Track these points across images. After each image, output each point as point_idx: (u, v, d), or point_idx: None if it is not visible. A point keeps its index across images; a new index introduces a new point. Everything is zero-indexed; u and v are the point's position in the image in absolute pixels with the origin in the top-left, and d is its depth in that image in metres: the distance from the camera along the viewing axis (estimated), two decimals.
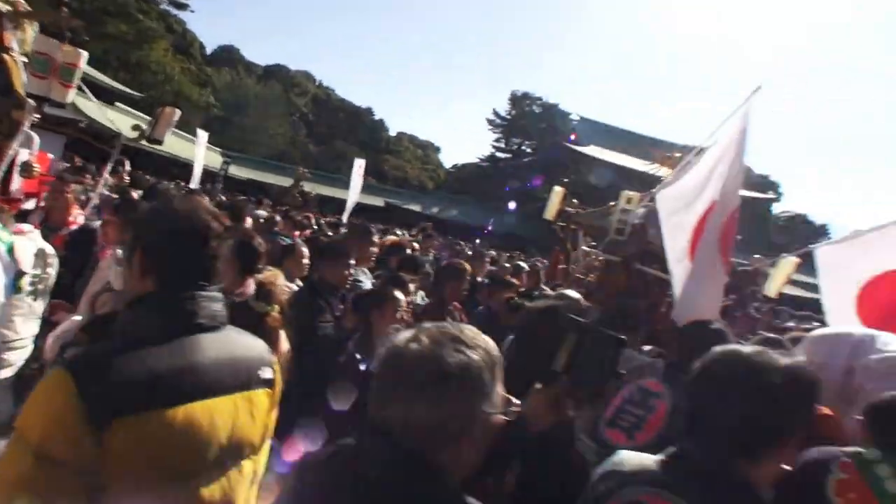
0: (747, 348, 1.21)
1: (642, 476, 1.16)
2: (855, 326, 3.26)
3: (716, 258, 3.17)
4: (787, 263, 5.18)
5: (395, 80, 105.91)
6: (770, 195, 40.34)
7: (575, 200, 5.32)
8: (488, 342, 0.92)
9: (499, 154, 44.04)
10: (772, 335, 3.01)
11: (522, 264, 6.70)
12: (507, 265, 6.96)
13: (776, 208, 45.38)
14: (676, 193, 3.63)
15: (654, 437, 1.86)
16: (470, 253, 6.66)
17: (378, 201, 28.54)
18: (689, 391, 1.25)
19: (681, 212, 3.53)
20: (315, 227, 7.48)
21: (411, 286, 3.26)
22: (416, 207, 30.14)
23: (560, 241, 5.39)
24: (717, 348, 1.22)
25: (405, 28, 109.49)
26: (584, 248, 5.20)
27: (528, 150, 43.35)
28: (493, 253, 11.01)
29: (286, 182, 17.61)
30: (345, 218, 9.98)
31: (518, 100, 44.41)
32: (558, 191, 5.15)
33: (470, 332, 0.91)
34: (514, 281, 4.55)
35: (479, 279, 4.79)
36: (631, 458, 1.24)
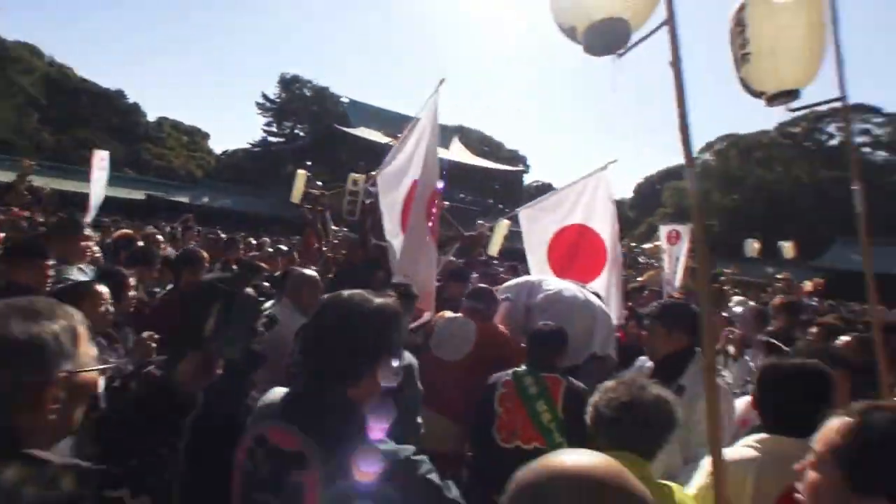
0: (348, 293, 1.32)
1: (268, 410, 1.29)
2: (539, 274, 4.27)
3: (424, 231, 3.73)
4: (502, 226, 6.37)
5: (149, 59, 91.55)
6: (520, 168, 47.09)
7: (319, 182, 5.66)
8: (67, 311, 0.99)
9: (271, 138, 42.42)
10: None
11: (283, 247, 6.85)
12: (271, 250, 7.06)
13: (527, 179, 53.39)
14: (391, 173, 4.19)
15: None
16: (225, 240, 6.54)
17: (138, 194, 25.25)
18: (304, 335, 1.47)
19: (393, 190, 4.09)
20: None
21: (133, 280, 3.17)
22: (183, 199, 27.24)
23: (311, 222, 5.68)
24: (327, 296, 1.39)
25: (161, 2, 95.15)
26: (334, 227, 5.59)
27: (302, 134, 42.66)
28: (266, 240, 10.78)
29: (9, 177, 14.24)
30: (89, 216, 8.66)
31: (288, 83, 43.27)
32: (301, 174, 5.42)
33: (46, 304, 0.97)
34: (264, 265, 4.68)
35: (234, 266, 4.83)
36: (269, 395, 1.35)
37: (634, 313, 4.46)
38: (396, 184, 4.03)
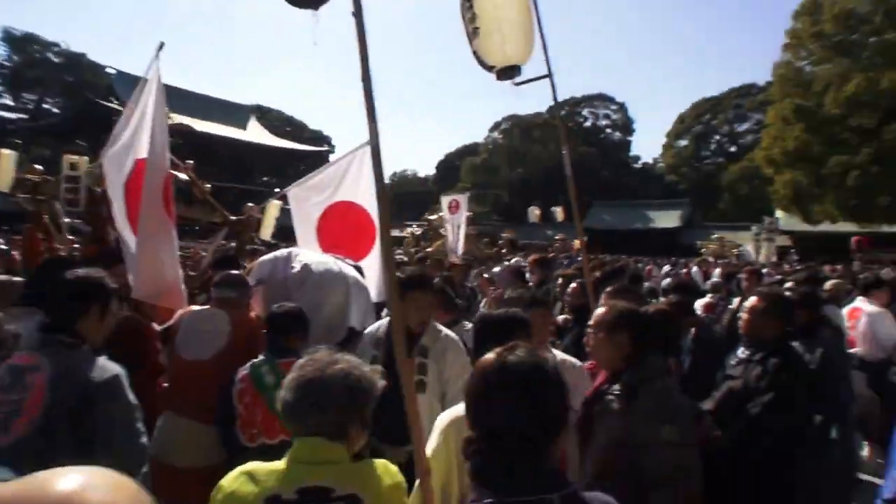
0: None
1: None
2: (307, 249, 4.05)
3: (160, 219, 3.20)
4: (272, 207, 6.01)
5: None
6: (325, 148, 46.00)
7: (38, 167, 4.56)
8: None
9: (5, 113, 34.02)
10: None
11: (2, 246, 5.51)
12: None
13: (333, 159, 52.86)
14: (116, 153, 3.53)
15: (38, 416, 1.70)
16: None
17: None
18: None
19: (117, 173, 3.45)
20: None
21: None
22: None
23: (32, 216, 4.59)
24: None
25: None
26: (66, 219, 4.61)
27: (55, 110, 35.24)
28: None
29: None
30: None
31: (18, 42, 34.79)
32: (6, 154, 4.27)
33: None
34: None
35: None
36: None
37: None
38: (120, 166, 3.40)
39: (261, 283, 3.26)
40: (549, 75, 3.18)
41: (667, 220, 39.48)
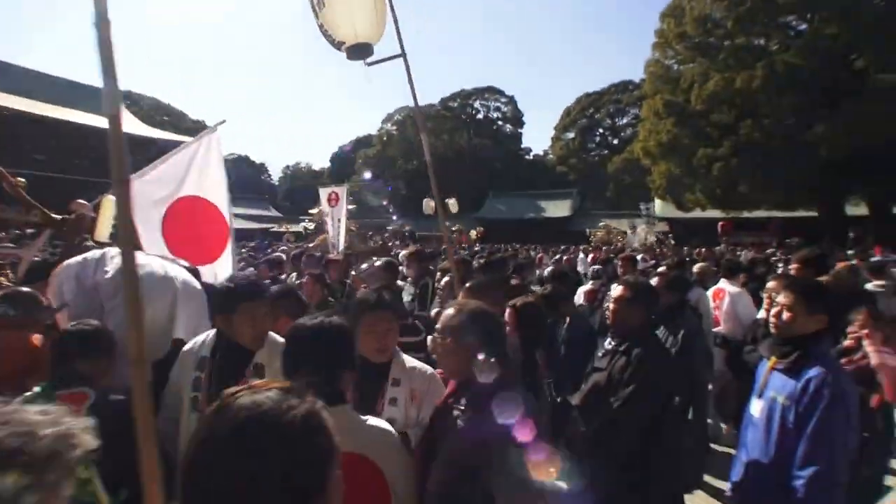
0: None
1: None
2: (153, 251, 3.41)
3: None
4: (108, 202, 5.10)
5: None
6: None
7: None
8: None
9: None
10: None
11: None
12: None
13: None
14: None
15: None
16: None
17: None
18: None
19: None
20: None
21: None
22: None
23: None
24: None
25: None
26: None
27: None
28: None
29: None
30: None
31: None
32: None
33: None
34: None
35: None
36: None
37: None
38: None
39: (64, 307, 2.63)
40: (403, 55, 2.88)
41: (558, 209, 41.55)
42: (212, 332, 2.28)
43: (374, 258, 5.18)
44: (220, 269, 3.55)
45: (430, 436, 1.65)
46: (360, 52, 2.89)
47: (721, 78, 21.70)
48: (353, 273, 4.91)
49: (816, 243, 18.94)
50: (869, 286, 5.45)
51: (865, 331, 3.22)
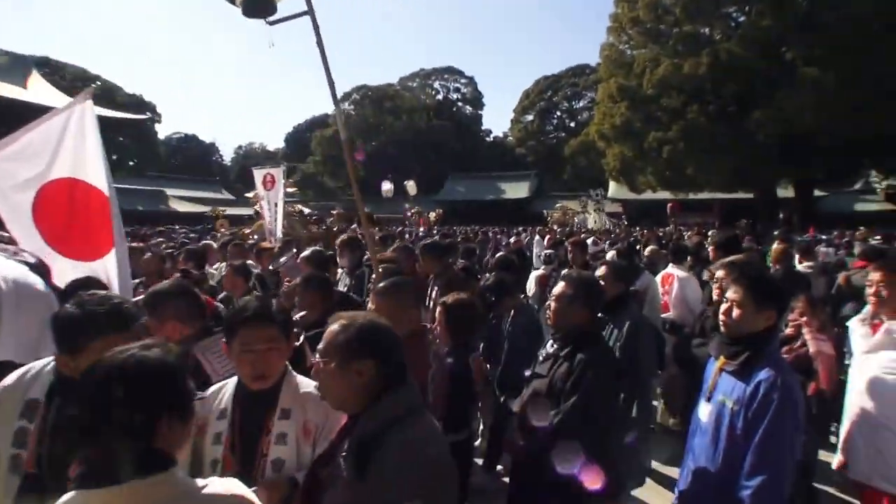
0: None
1: None
2: (32, 250, 2.87)
3: None
4: None
5: None
6: (147, 116, 40.24)
7: None
8: None
9: None
10: None
11: None
12: None
13: (164, 131, 46.40)
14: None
15: None
16: None
17: None
18: None
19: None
20: None
21: None
22: None
23: None
24: None
25: None
26: None
27: None
28: None
29: None
30: None
31: None
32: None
33: None
34: None
35: None
36: None
37: None
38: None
39: None
40: (310, 11, 2.49)
41: (517, 190, 41.66)
42: (50, 362, 1.66)
43: (312, 246, 4.73)
44: (112, 267, 3.03)
45: (309, 489, 1.31)
46: (259, 8, 2.48)
47: (670, 64, 22.03)
48: (280, 262, 4.46)
49: (755, 224, 19.75)
50: (800, 267, 5.49)
51: (804, 318, 3.15)
